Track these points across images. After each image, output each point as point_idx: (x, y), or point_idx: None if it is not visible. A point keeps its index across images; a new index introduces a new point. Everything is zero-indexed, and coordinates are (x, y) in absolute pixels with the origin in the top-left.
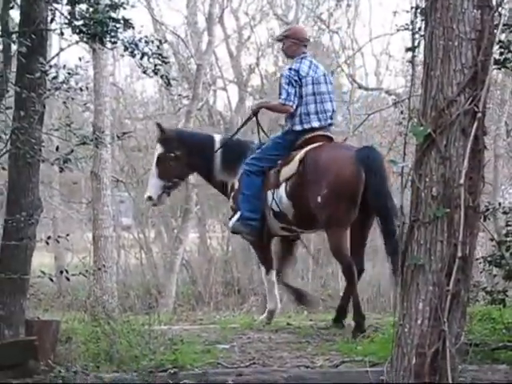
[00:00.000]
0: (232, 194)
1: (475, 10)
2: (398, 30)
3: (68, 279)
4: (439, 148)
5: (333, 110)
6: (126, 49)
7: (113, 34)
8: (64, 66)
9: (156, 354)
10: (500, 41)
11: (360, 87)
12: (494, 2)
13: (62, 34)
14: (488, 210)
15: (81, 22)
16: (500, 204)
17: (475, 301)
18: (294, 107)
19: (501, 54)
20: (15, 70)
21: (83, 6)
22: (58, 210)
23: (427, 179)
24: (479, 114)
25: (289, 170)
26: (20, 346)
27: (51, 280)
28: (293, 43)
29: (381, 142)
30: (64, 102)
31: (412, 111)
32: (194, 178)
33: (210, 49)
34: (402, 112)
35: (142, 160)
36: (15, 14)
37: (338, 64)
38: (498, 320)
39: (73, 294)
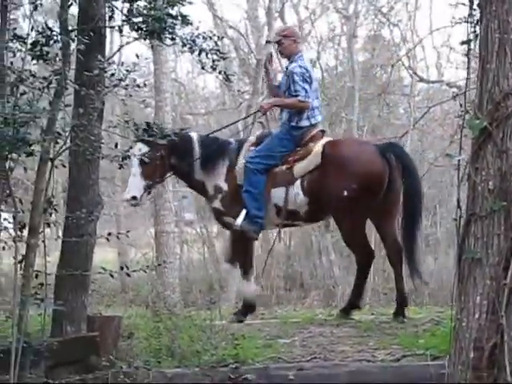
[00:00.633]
0: (219, 195)
1: None
2: (455, 23)
3: (128, 275)
4: (495, 141)
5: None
6: (184, 45)
7: (171, 30)
8: (122, 63)
9: (217, 349)
10: None
11: (421, 80)
12: None
13: (120, 31)
14: None
15: (139, 19)
16: None
17: None
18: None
19: None
20: (74, 67)
21: (141, 3)
22: (121, 207)
23: (484, 173)
24: None
25: (306, 165)
26: (82, 342)
27: (111, 276)
28: (292, 42)
29: (442, 135)
30: (122, 99)
31: (469, 104)
32: None
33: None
34: (461, 105)
35: None
36: (74, 12)
37: (398, 57)
38: None
39: (136, 290)
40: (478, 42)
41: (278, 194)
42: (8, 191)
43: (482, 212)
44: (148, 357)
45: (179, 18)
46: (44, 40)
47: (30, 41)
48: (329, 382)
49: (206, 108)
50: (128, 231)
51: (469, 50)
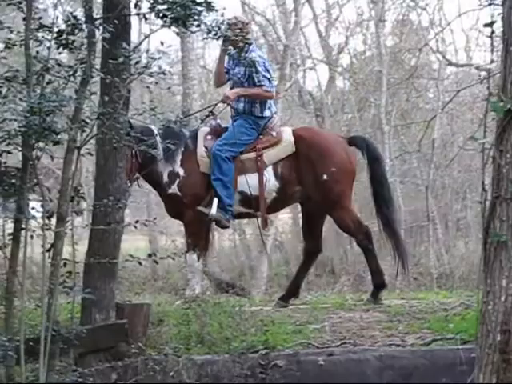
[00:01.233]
0: (176, 180)
1: None
2: (482, 6)
3: (156, 262)
4: None
5: None
6: (209, 32)
7: (196, 17)
8: (147, 51)
9: (247, 336)
10: None
11: (450, 64)
12: None
13: (145, 18)
14: None
15: (164, 7)
16: None
17: None
18: None
19: None
20: (99, 56)
21: None
22: (151, 194)
23: (508, 155)
24: None
25: (277, 153)
26: (111, 330)
27: (139, 263)
28: (249, 30)
29: (472, 119)
30: (147, 87)
31: (495, 87)
32: None
33: (296, 29)
34: (488, 88)
35: None
36: (99, 0)
37: (426, 41)
38: None
39: (166, 277)
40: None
41: (244, 181)
42: (35, 180)
43: (507, 194)
44: (177, 344)
45: (204, 4)
46: (69, 29)
47: (55, 30)
48: (359, 367)
49: None
50: (155, 218)
51: (492, 32)
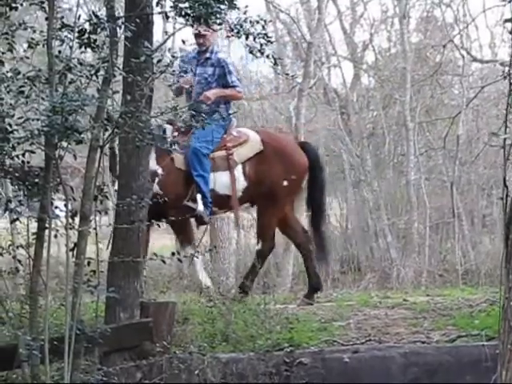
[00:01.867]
0: (155, 179)
1: None
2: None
3: (180, 261)
4: None
5: None
6: (231, 30)
7: (218, 15)
8: (169, 50)
9: (272, 333)
10: None
11: (474, 60)
12: None
13: (167, 17)
14: None
15: (186, 5)
16: None
17: None
18: None
19: None
20: (122, 54)
21: None
22: None
23: None
24: None
25: (246, 151)
26: (135, 328)
27: (163, 262)
28: (213, 32)
29: (497, 115)
30: (169, 85)
31: None
32: None
33: (320, 26)
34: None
35: None
36: None
37: (450, 37)
38: None
39: (191, 276)
40: None
41: (215, 179)
42: (58, 179)
43: None
44: (202, 342)
45: (226, 2)
46: (91, 28)
47: (77, 29)
48: (384, 364)
49: (259, 93)
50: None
51: None
